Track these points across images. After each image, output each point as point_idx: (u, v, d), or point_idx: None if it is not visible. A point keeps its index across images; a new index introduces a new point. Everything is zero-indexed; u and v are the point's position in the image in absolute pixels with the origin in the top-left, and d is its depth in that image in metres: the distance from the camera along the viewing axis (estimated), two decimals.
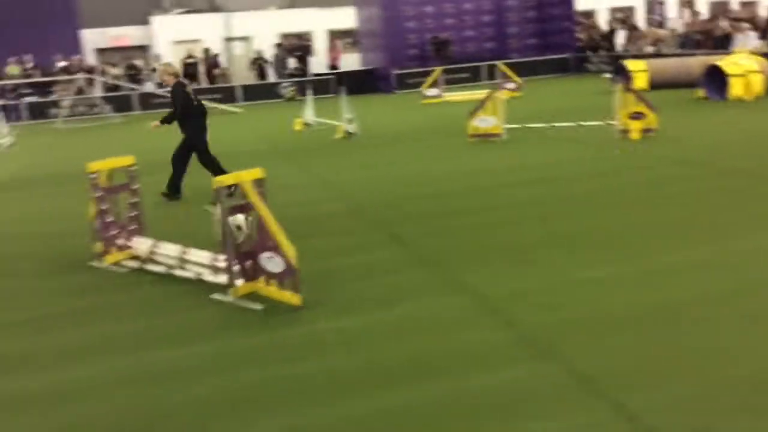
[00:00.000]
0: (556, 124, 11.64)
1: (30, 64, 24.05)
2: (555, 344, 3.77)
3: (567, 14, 25.63)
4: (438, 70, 20.04)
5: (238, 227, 4.80)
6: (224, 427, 3.20)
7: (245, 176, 4.67)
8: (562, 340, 3.81)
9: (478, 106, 11.31)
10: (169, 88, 8.97)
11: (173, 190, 8.56)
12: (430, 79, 19.78)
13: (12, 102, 22.44)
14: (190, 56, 25.29)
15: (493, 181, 8.12)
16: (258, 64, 25.73)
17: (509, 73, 18.97)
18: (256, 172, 4.80)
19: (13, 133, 15.55)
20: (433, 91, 19.39)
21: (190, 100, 8.52)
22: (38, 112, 22.57)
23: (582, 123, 11.49)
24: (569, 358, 3.59)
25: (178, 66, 8.82)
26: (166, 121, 8.73)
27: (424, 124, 14.50)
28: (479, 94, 14.57)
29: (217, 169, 8.30)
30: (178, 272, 5.39)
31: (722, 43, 19.38)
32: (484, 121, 11.18)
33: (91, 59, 26.19)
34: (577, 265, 5.02)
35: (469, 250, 5.55)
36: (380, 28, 24.94)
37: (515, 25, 26.07)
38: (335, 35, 29.08)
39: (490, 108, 11.16)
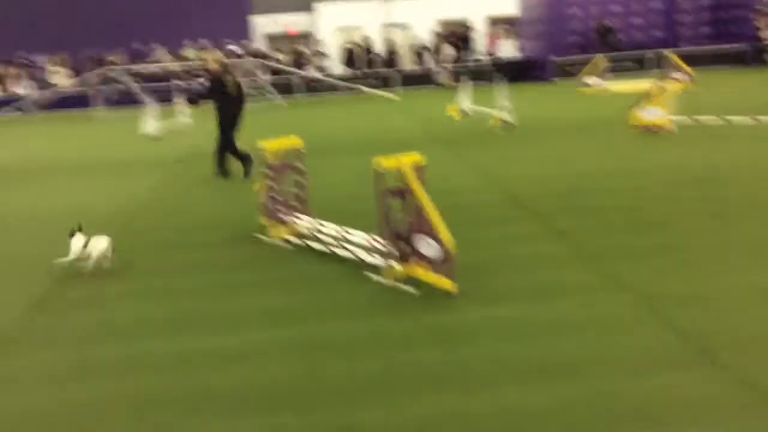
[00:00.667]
0: (731, 119, 10.81)
1: (206, 48, 25.75)
2: (724, 352, 3.53)
3: (745, 1, 23.62)
4: (600, 59, 19.25)
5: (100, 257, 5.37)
6: (380, 403, 3.29)
7: (405, 161, 4.74)
8: (733, 349, 3.56)
9: (644, 96, 10.75)
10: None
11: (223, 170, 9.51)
12: (590, 68, 19.06)
13: (188, 83, 24.19)
14: (350, 42, 26.03)
15: (660, 177, 7.68)
16: (417, 50, 25.99)
17: (679, 63, 17.83)
18: (416, 157, 4.85)
19: (188, 112, 16.72)
20: (594, 80, 18.66)
21: (225, 88, 9.25)
22: None
23: (759, 118, 10.59)
24: (740, 368, 3.35)
25: (221, 55, 10.27)
26: (191, 100, 10.10)
27: (583, 114, 14.01)
28: (644, 84, 13.82)
29: (222, 161, 9.45)
30: (337, 251, 5.59)
31: None
32: (650, 113, 10.61)
33: (260, 44, 27.62)
34: (749, 272, 4.66)
35: (633, 249, 5.31)
36: (542, 14, 24.32)
37: (687, 12, 24.44)
38: (495, 22, 28.70)
39: (658, 99, 10.57)
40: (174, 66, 24.62)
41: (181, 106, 16.56)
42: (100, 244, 5.47)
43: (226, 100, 9.32)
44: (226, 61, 9.99)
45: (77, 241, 5.44)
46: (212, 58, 9.71)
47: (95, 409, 3.40)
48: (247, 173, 9.42)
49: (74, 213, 7.75)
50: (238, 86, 9.58)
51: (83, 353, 4.06)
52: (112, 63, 23.93)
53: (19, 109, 21.46)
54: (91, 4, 26.28)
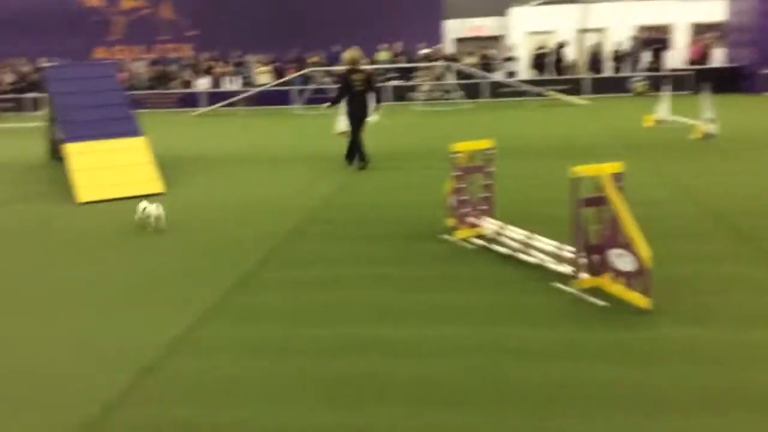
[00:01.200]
0: None
1: (398, 50, 26.57)
2: None
3: None
4: None
5: (149, 217, 6.94)
6: (569, 413, 3.25)
7: (605, 169, 4.61)
8: None
9: None
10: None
11: (351, 157, 10.75)
12: None
13: (379, 84, 25.09)
14: (540, 47, 25.60)
15: None
16: (613, 56, 25.01)
17: None
18: (616, 166, 4.70)
19: (378, 111, 17.36)
20: None
21: (352, 85, 10.48)
22: (400, 94, 24.87)
23: None
24: None
25: (356, 54, 10.86)
26: (333, 101, 10.99)
27: None
28: None
29: (354, 148, 10.67)
30: (521, 256, 5.56)
31: None
32: None
33: (450, 48, 27.99)
34: None
35: None
36: (753, 21, 22.37)
37: None
38: (699, 29, 26.84)
39: None
40: (368, 68, 25.61)
41: (372, 106, 17.21)
42: (154, 210, 7.02)
43: (351, 96, 10.51)
44: (357, 58, 10.81)
45: (140, 206, 7.12)
46: (346, 56, 10.81)
47: (289, 384, 3.66)
48: (358, 167, 10.55)
49: (269, 201, 8.39)
50: (367, 83, 10.61)
51: (279, 331, 4.37)
52: (312, 64, 25.38)
53: (230, 104, 23.43)
54: (296, 11, 28.10)
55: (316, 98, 23.46)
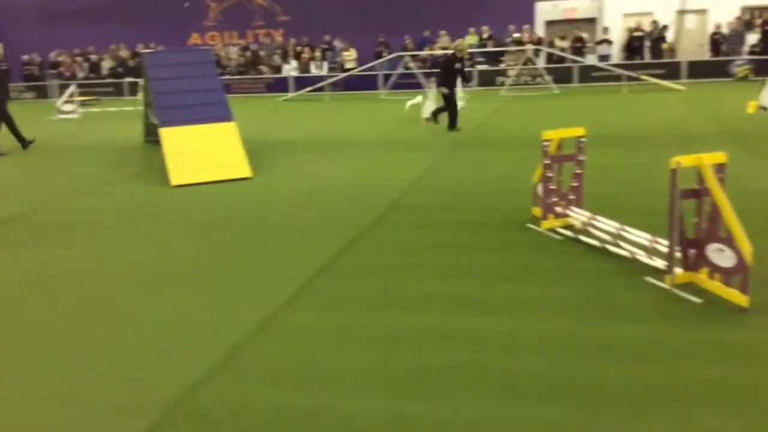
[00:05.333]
0: None
1: (486, 35, 26.13)
2: None
3: None
4: None
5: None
6: (660, 412, 3.12)
7: (706, 159, 4.38)
8: None
9: None
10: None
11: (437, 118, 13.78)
12: None
13: (467, 69, 24.78)
14: (637, 29, 24.60)
15: None
16: (714, 39, 23.77)
17: None
18: (719, 156, 4.46)
19: (465, 97, 17.17)
20: None
21: (451, 69, 13.00)
22: (488, 79, 24.50)
23: None
24: None
25: (465, 47, 13.54)
26: (440, 83, 13.23)
27: None
28: None
29: (440, 111, 13.58)
30: (612, 248, 5.37)
31: None
32: None
33: (540, 31, 27.30)
34: None
35: None
36: None
37: None
38: None
39: None
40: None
41: (459, 91, 17.04)
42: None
43: (451, 77, 12.93)
44: (466, 50, 13.32)
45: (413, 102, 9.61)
46: (459, 45, 13.21)
47: (362, 372, 3.67)
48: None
49: (355, 186, 8.44)
50: (462, 71, 13.17)
51: (361, 319, 4.39)
52: (402, 49, 25.34)
53: (317, 89, 23.74)
54: None
55: (403, 83, 23.47)
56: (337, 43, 27.48)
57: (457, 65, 13.01)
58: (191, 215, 7.40)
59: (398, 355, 3.84)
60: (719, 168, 4.43)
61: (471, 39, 26.05)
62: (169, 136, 9.57)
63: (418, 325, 4.23)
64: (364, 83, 24.70)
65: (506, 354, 3.80)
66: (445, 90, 12.90)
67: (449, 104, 13.06)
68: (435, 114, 13.91)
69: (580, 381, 3.46)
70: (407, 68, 23.52)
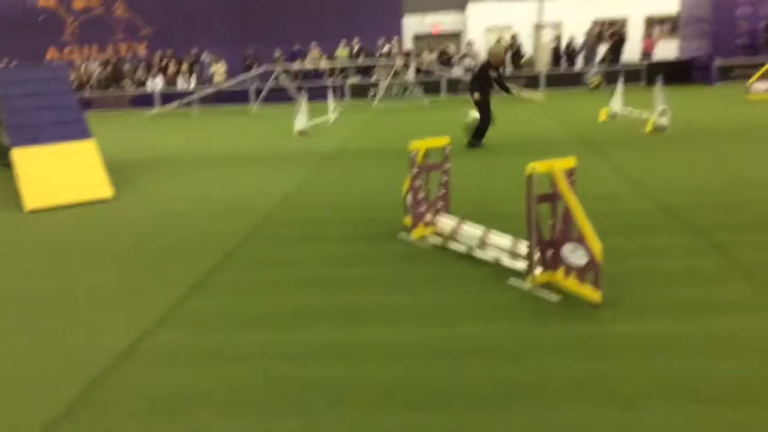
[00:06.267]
0: None
1: (357, 47, 26.49)
2: None
3: None
4: None
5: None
6: (525, 409, 3.25)
7: (558, 164, 4.64)
8: None
9: None
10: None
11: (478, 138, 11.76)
12: (759, 73, 17.67)
13: (338, 82, 24.98)
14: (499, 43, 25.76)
15: None
16: (568, 50, 25.31)
17: None
18: (569, 162, 4.74)
19: (338, 110, 17.29)
20: (764, 86, 17.29)
21: (485, 78, 11.64)
22: (359, 91, 24.81)
23: None
24: None
25: (492, 52, 12.00)
26: (473, 91, 11.76)
27: (747, 121, 13.02)
28: None
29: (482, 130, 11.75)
30: (478, 253, 5.57)
31: None
32: None
33: (409, 44, 28.02)
34: None
35: None
36: (706, 13, 22.85)
37: None
38: (653, 21, 27.36)
39: None
40: (326, 65, 25.50)
41: (332, 103, 17.15)
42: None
43: (485, 87, 11.64)
44: (503, 58, 12.63)
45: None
46: (494, 51, 11.91)
47: (237, 392, 3.60)
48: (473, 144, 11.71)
49: (226, 202, 8.28)
50: (499, 81, 11.83)
51: (233, 337, 4.30)
52: (273, 62, 25.17)
53: (187, 103, 23.10)
54: (254, 7, 27.80)
55: (276, 96, 23.32)
56: (205, 56, 26.91)
57: (493, 73, 11.67)
58: (48, 241, 6.96)
59: (271, 370, 3.79)
60: (570, 172, 4.71)
61: (342, 52, 26.31)
62: (22, 156, 8.98)
63: (291, 339, 4.19)
64: (234, 97, 24.34)
65: (381, 364, 3.83)
66: (477, 96, 11.62)
67: (482, 116, 11.69)
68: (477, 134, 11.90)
69: (452, 385, 3.54)
70: (278, 81, 23.40)
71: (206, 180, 10.04)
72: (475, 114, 12.01)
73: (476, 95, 11.57)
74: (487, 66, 11.67)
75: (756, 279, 4.75)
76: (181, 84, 26.02)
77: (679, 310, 4.32)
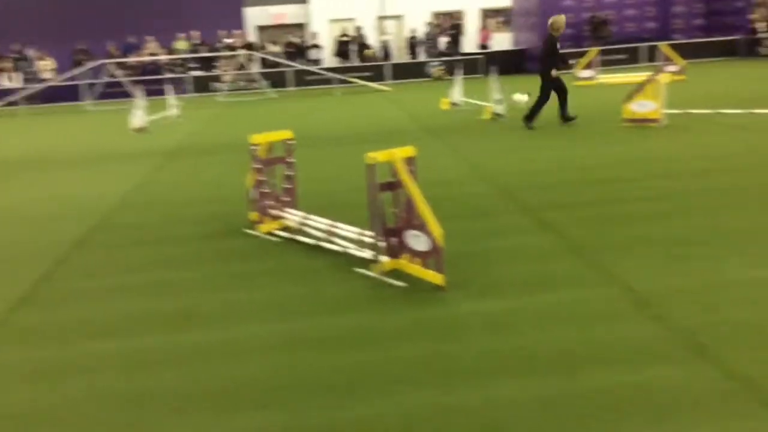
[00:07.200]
0: (723, 111, 10.80)
1: (197, 40, 25.63)
2: (713, 345, 3.51)
3: None
4: (593, 51, 19.25)
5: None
6: (364, 398, 3.27)
7: (397, 153, 4.71)
8: (722, 342, 3.54)
9: (636, 89, 10.74)
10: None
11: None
12: (583, 61, 19.05)
13: (179, 75, 24.06)
14: (343, 34, 25.93)
15: (650, 169, 7.68)
16: (410, 42, 25.95)
17: (672, 54, 17.84)
18: (408, 150, 4.82)
19: (178, 105, 16.65)
20: (587, 73, 18.67)
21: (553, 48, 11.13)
22: (202, 85, 24.05)
23: (754, 111, 10.59)
24: (729, 361, 3.33)
25: (556, 23, 11.19)
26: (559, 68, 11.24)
27: (575, 107, 13.96)
28: (637, 76, 13.80)
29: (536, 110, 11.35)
30: (326, 245, 5.56)
31: None
32: (642, 106, 10.60)
33: (253, 36, 27.50)
34: (741, 264, 4.65)
35: (621, 241, 5.30)
36: (536, 6, 24.27)
37: (681, 3, 24.45)
38: (487, 14, 28.66)
39: (650, 92, 10.56)
40: (165, 59, 24.48)
41: (172, 98, 16.48)
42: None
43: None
44: (560, 24, 11.10)
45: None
46: (559, 22, 11.11)
47: (75, 408, 3.36)
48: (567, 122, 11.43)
49: (58, 207, 7.72)
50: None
51: (66, 350, 4.01)
52: (106, 56, 23.78)
53: (12, 103, 21.30)
54: None
55: (111, 92, 22.07)
56: (31, 53, 24.92)
57: (558, 46, 11.29)
58: None
59: (101, 384, 3.55)
60: (409, 161, 4.80)
61: (181, 44, 25.36)
62: None
63: (126, 348, 3.96)
64: (65, 95, 22.78)
65: (225, 365, 3.71)
66: (555, 73, 11.10)
67: (542, 94, 11.28)
68: (531, 115, 11.49)
69: (297, 380, 3.50)
70: (112, 76, 22.15)
71: (35, 183, 9.30)
72: (522, 97, 12.21)
73: (553, 72, 11.12)
74: (555, 40, 11.18)
75: (584, 254, 5.09)
76: (5, 82, 23.94)
77: (517, 287, 4.54)
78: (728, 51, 23.10)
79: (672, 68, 17.28)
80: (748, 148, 8.49)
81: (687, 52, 20.15)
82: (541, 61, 11.35)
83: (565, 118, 11.48)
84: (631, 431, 2.87)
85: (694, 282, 4.41)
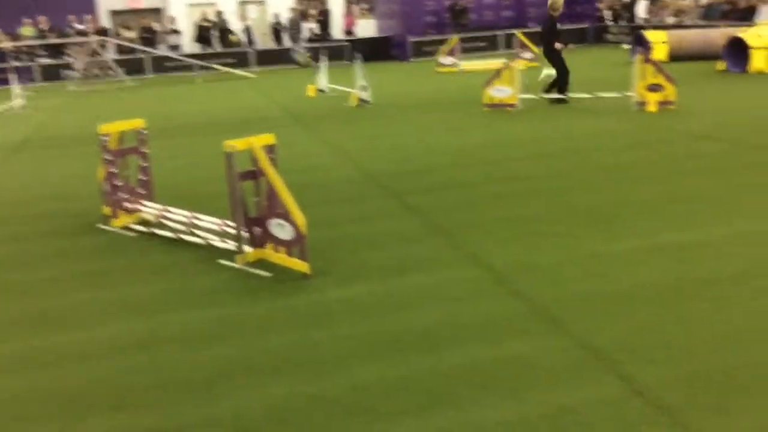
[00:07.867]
0: (573, 95, 11.44)
1: (45, 26, 23.90)
2: (566, 318, 3.71)
3: None
4: (454, 39, 19.80)
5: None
6: (225, 393, 3.17)
7: (256, 142, 4.59)
8: (573, 314, 3.75)
9: (494, 75, 11.15)
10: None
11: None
12: (445, 48, 19.55)
13: (25, 63, 22.37)
14: (204, 19, 25.06)
15: (508, 152, 8.00)
16: (274, 28, 25.51)
17: (527, 42, 18.66)
18: (268, 138, 4.72)
19: (25, 95, 15.49)
20: (449, 60, 19.16)
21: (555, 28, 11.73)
22: (51, 74, 22.49)
23: (599, 94, 11.28)
24: (580, 332, 3.53)
25: (555, 3, 11.76)
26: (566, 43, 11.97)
27: (438, 93, 14.33)
28: (496, 63, 14.34)
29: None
30: (187, 237, 5.36)
31: (746, 15, 18.96)
32: (501, 91, 11.02)
33: (105, 21, 26.00)
34: (591, 240, 4.94)
35: (482, 222, 5.48)
36: None
37: None
38: (351, 0, 28.69)
39: (507, 78, 10.99)
40: (9, 46, 22.67)
41: (17, 88, 15.30)
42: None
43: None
44: (558, 5, 11.64)
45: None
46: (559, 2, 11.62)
47: None
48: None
49: None
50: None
51: None
52: None
53: None
54: None
55: None
56: None
57: (559, 25, 11.89)
58: None
59: None
60: (270, 149, 4.70)
61: (27, 30, 23.57)
62: None
63: None
64: None
65: (79, 367, 3.49)
66: (559, 46, 11.52)
67: (560, 70, 11.58)
68: (552, 90, 11.68)
69: (158, 376, 3.35)
70: None
71: None
72: (548, 71, 12.05)
73: (557, 44, 11.53)
74: (554, 20, 11.78)
75: (448, 235, 5.21)
76: None
77: (384, 270, 4.57)
78: (578, 38, 24.48)
79: (527, 55, 18.08)
80: (593, 130, 9.04)
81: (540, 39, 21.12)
82: (543, 39, 11.96)
83: (550, 94, 11.72)
84: (492, 403, 2.97)
85: (549, 258, 4.63)
